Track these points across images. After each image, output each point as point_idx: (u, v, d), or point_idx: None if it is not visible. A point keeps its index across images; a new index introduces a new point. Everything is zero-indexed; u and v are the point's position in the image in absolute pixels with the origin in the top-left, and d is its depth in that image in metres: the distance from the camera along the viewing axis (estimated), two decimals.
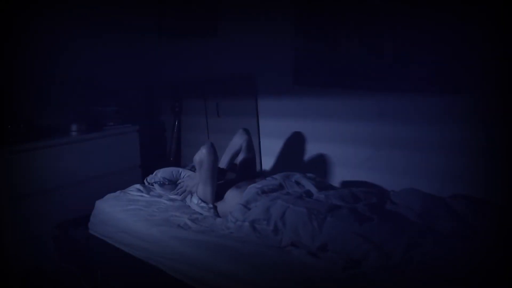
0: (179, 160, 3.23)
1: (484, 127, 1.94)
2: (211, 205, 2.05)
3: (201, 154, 2.07)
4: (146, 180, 2.38)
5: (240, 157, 2.36)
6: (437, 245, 1.51)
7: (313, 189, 2.03)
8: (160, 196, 2.28)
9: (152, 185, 2.35)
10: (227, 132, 2.87)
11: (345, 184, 2.37)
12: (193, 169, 2.40)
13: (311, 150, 2.54)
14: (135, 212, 2.07)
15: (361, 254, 1.51)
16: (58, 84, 2.81)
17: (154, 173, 2.38)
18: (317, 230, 1.63)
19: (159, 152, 3.34)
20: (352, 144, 2.36)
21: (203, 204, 2.05)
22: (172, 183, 2.32)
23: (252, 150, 2.39)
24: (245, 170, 2.35)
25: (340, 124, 2.40)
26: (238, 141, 2.35)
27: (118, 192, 2.31)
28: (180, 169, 2.38)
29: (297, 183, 2.09)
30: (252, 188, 2.00)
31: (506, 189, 1.87)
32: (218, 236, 1.79)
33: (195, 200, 2.09)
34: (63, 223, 2.32)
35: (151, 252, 1.85)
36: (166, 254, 1.78)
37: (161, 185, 2.31)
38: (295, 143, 2.61)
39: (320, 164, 2.51)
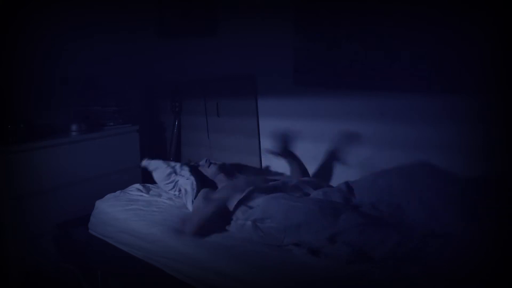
0: (179, 160, 3.23)
1: (484, 127, 1.94)
2: None
3: None
4: (143, 163, 2.39)
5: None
6: (439, 244, 1.51)
7: (310, 190, 2.03)
8: (160, 195, 2.28)
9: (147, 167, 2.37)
10: (227, 132, 2.87)
11: None
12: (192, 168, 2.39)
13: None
14: (135, 212, 2.07)
15: (376, 242, 1.52)
16: (58, 84, 2.81)
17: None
18: (322, 226, 1.64)
19: (159, 152, 3.34)
20: (352, 144, 2.36)
21: None
22: (170, 166, 2.32)
23: None
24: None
25: (340, 124, 2.40)
26: None
27: (118, 192, 2.31)
28: (177, 165, 2.36)
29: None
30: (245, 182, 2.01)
31: (506, 189, 1.86)
32: (218, 236, 1.79)
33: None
34: (63, 223, 2.32)
35: (151, 252, 1.85)
36: (166, 254, 1.78)
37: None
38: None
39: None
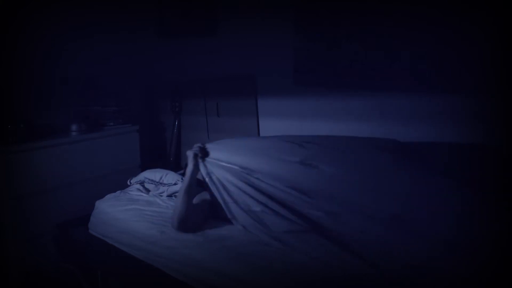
0: (179, 160, 3.23)
1: (484, 127, 1.94)
2: None
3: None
4: (130, 181, 2.37)
5: None
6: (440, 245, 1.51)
7: None
8: (160, 195, 2.28)
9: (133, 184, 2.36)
10: (227, 132, 2.87)
11: None
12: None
13: None
14: (135, 212, 2.07)
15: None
16: (58, 84, 2.81)
17: (139, 175, 2.39)
18: None
19: (159, 152, 3.35)
20: None
21: None
22: (154, 183, 2.30)
23: None
24: None
25: (340, 124, 2.40)
26: None
27: (118, 192, 2.31)
28: (169, 172, 2.34)
29: None
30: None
31: (506, 189, 1.87)
32: (218, 236, 1.79)
33: None
34: (63, 223, 2.32)
35: (151, 252, 1.84)
36: (166, 254, 1.78)
37: (142, 183, 2.33)
38: None
39: None
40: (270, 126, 2.73)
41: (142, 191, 2.31)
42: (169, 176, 2.27)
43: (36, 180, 2.44)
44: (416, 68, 2.08)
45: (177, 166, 3.08)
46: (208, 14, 2.89)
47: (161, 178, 2.28)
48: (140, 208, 2.11)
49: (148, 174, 2.33)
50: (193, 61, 3.02)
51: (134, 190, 2.33)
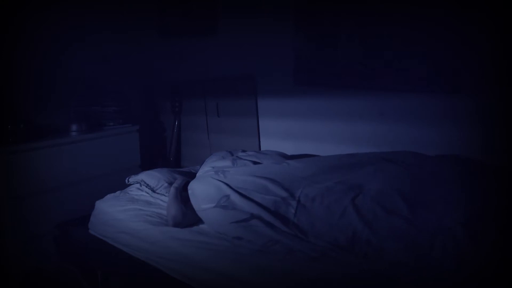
0: (179, 160, 3.24)
1: (484, 127, 1.94)
2: None
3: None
4: (128, 179, 2.36)
5: None
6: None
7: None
8: (160, 195, 2.27)
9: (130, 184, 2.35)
10: (227, 132, 2.88)
11: None
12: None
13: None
14: (135, 212, 2.07)
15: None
16: (58, 84, 2.81)
17: (138, 174, 2.36)
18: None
19: (159, 152, 3.35)
20: (352, 144, 2.36)
21: None
22: (150, 188, 2.26)
23: None
24: None
25: (340, 124, 2.40)
26: None
27: (118, 192, 2.31)
28: (165, 181, 2.28)
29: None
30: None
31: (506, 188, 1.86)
32: (217, 237, 1.79)
33: None
34: (63, 223, 2.31)
35: (151, 253, 1.84)
36: (166, 254, 1.78)
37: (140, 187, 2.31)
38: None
39: None
40: (270, 126, 2.73)
41: (142, 191, 2.31)
42: (164, 187, 2.25)
43: (36, 180, 2.44)
44: (416, 68, 2.08)
45: (177, 166, 3.09)
46: (208, 14, 2.89)
47: (156, 185, 2.26)
48: (140, 208, 2.11)
49: (145, 177, 2.30)
50: (193, 61, 3.02)
51: (134, 190, 2.33)
